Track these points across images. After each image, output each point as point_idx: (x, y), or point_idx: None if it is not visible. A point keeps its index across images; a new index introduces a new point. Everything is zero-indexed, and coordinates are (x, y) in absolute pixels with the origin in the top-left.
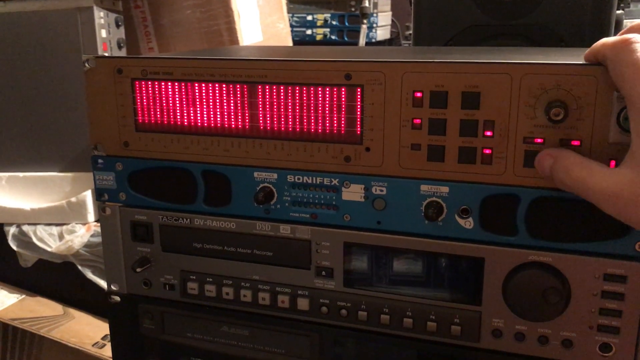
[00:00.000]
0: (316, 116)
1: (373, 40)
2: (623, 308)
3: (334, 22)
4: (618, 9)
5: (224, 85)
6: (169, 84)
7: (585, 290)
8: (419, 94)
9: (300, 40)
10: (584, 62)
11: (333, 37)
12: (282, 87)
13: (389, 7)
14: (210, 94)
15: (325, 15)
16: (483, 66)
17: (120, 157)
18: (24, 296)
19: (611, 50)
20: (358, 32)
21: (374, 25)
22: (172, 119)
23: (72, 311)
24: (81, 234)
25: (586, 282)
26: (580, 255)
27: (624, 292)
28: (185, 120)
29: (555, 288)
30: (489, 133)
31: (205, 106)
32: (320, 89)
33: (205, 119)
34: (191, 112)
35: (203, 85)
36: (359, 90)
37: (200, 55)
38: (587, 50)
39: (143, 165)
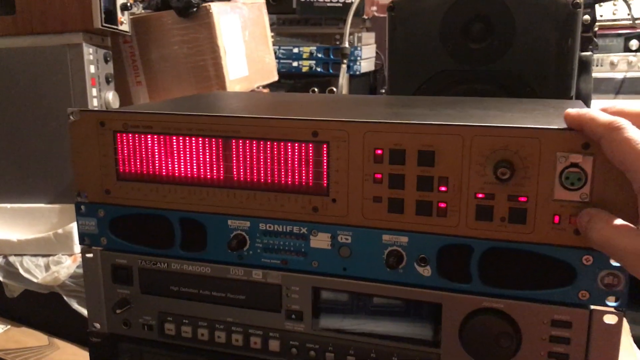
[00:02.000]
0: (286, 169)
1: (357, 72)
2: (569, 352)
3: (319, 55)
4: (586, 51)
5: (200, 139)
6: (149, 136)
7: (535, 335)
8: (379, 151)
9: (286, 72)
10: (529, 126)
11: (319, 69)
12: (254, 142)
13: (373, 40)
14: (188, 147)
15: (311, 48)
16: (437, 127)
17: (102, 204)
18: (9, 327)
19: (605, 130)
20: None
21: (359, 58)
22: (151, 169)
23: (58, 342)
24: (67, 264)
25: (536, 328)
26: (530, 302)
27: (570, 337)
28: (164, 171)
29: (507, 333)
30: (443, 188)
31: (183, 158)
32: (289, 144)
33: (182, 169)
34: (170, 163)
35: (181, 138)
36: (325, 146)
37: (179, 111)
38: (570, 114)
39: (124, 212)
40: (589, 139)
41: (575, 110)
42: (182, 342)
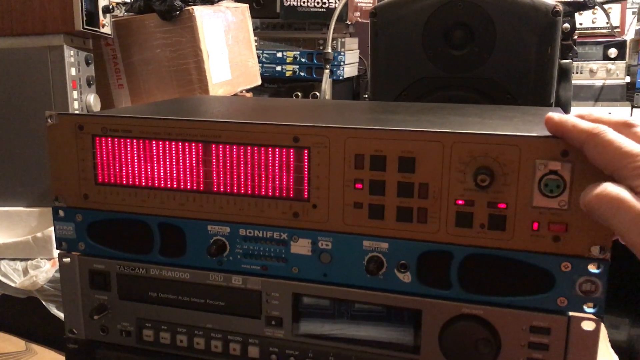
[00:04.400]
0: (267, 174)
1: (340, 77)
2: (548, 358)
3: (302, 60)
4: (566, 59)
5: (180, 144)
6: (128, 141)
7: (514, 341)
8: (360, 157)
9: (270, 76)
10: (508, 133)
11: (302, 73)
12: (235, 147)
13: (356, 46)
14: (167, 151)
15: (295, 52)
16: (418, 134)
17: (80, 209)
18: None
19: (588, 136)
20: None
21: (342, 63)
22: (130, 174)
23: (35, 347)
24: (46, 269)
25: (514, 334)
26: (509, 308)
27: (548, 343)
28: (143, 175)
29: (486, 339)
30: (423, 194)
31: (162, 162)
32: (270, 149)
33: (162, 174)
34: (149, 167)
35: (160, 142)
36: (306, 151)
37: (159, 115)
38: (551, 120)
39: (102, 217)
40: (568, 146)
41: (557, 115)
42: (160, 348)
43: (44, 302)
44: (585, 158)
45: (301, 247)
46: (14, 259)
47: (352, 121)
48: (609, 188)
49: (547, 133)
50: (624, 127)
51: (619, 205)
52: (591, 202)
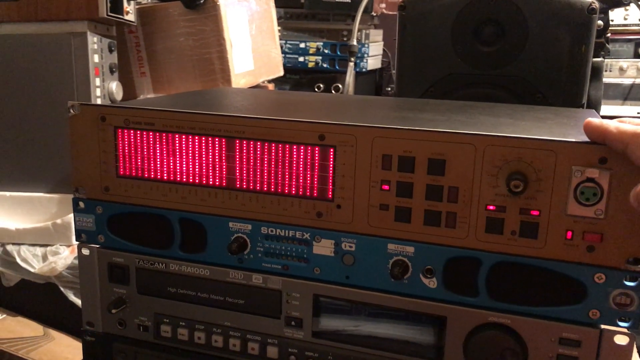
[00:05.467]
0: (290, 172)
1: (364, 70)
2: None
3: (326, 51)
4: (598, 57)
5: (203, 138)
6: (151, 133)
7: (542, 352)
8: (388, 158)
9: (292, 67)
10: (545, 138)
11: (325, 65)
12: (258, 143)
13: (380, 37)
14: (190, 145)
15: (318, 43)
16: (449, 135)
17: (101, 201)
18: (4, 316)
19: (632, 137)
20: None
21: (365, 55)
22: (152, 167)
23: (53, 332)
24: (65, 255)
25: (543, 345)
26: (538, 318)
27: (578, 356)
28: (165, 169)
29: (512, 349)
30: (453, 198)
31: (184, 157)
32: (295, 147)
33: (184, 169)
34: (171, 161)
35: (183, 137)
36: (331, 150)
37: (182, 109)
38: (591, 124)
39: (122, 210)
40: (606, 153)
41: (597, 120)
42: (177, 344)
43: (62, 289)
44: (624, 166)
45: (324, 247)
46: (33, 245)
47: (379, 119)
48: None
49: (584, 138)
50: None
51: None
52: None
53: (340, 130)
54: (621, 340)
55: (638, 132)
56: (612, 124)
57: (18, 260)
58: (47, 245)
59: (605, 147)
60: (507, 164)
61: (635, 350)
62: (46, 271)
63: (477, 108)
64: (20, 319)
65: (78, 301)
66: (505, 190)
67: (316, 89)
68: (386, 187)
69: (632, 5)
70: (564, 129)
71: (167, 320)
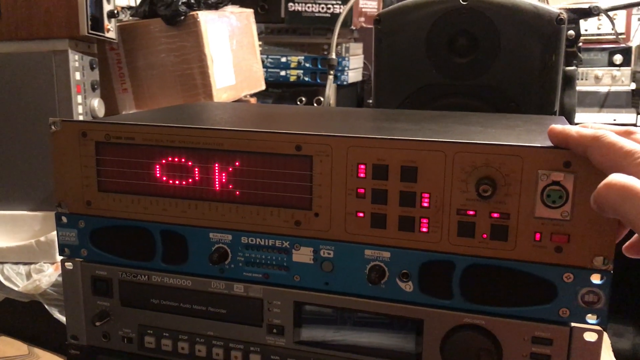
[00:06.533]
0: (269, 182)
1: (345, 83)
2: None
3: (307, 65)
4: (570, 66)
5: (182, 151)
6: (131, 148)
7: (516, 351)
8: (362, 166)
9: (274, 81)
10: (511, 143)
11: (306, 78)
12: (237, 155)
13: (361, 51)
14: (170, 159)
15: (299, 57)
16: (420, 143)
17: (83, 215)
18: None
19: (591, 140)
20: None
21: (346, 68)
22: (132, 181)
23: (37, 351)
24: (49, 273)
25: (516, 344)
26: (511, 318)
27: (550, 354)
28: (146, 183)
29: (487, 349)
30: (425, 204)
31: (164, 170)
32: (273, 157)
33: (164, 181)
34: (151, 175)
35: (163, 150)
36: (308, 160)
37: (162, 122)
38: (554, 130)
39: (104, 224)
40: (570, 157)
41: (560, 126)
42: (162, 355)
43: (47, 306)
44: (587, 169)
45: (303, 255)
46: (17, 263)
47: (354, 130)
48: (618, 177)
49: (550, 143)
50: (625, 134)
51: (628, 193)
52: (600, 192)
53: (317, 140)
54: (590, 337)
55: (597, 136)
56: (573, 129)
57: (1, 278)
58: (31, 263)
59: (569, 152)
60: (476, 169)
61: (607, 343)
62: (30, 289)
63: (450, 117)
64: (4, 338)
65: (63, 319)
66: (475, 195)
67: (298, 102)
68: (361, 194)
69: (604, 15)
70: (531, 135)
71: (151, 332)
